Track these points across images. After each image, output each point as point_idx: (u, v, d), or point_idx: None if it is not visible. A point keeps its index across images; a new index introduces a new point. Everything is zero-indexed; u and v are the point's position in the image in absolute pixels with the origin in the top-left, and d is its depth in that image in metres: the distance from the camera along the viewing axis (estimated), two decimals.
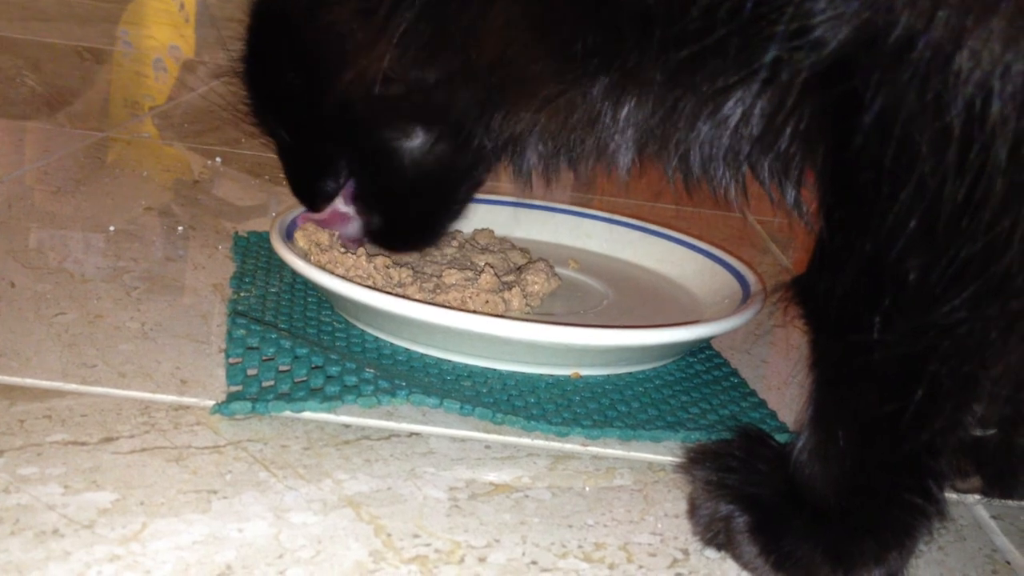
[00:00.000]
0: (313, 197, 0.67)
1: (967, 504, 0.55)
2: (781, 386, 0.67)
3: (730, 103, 0.43)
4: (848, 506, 0.44)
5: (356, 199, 0.66)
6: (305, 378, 0.56)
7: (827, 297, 0.42)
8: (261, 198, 0.95)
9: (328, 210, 0.67)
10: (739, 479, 0.47)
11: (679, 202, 1.16)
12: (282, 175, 1.01)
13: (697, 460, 0.49)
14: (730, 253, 0.77)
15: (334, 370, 0.56)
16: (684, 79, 0.44)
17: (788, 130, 0.42)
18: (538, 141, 0.56)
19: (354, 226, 0.67)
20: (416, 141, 0.60)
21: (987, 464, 0.55)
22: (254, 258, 0.74)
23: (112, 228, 0.78)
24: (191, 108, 1.27)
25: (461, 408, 0.55)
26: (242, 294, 0.67)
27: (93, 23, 2.03)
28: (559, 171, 0.57)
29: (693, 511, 0.48)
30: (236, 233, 0.79)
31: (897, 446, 0.42)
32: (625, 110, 0.48)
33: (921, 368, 0.40)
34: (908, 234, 0.38)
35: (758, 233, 1.06)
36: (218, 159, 1.04)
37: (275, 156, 1.07)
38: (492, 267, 0.69)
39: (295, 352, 0.58)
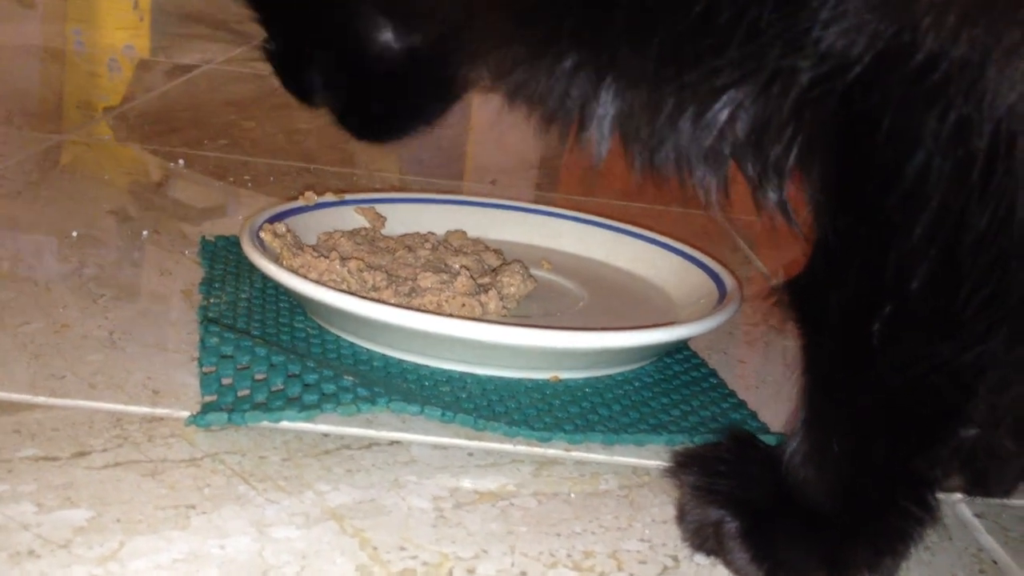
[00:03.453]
0: (304, 91, 0.64)
1: (950, 503, 0.55)
2: (759, 386, 0.67)
3: (720, 104, 0.42)
4: (842, 511, 0.44)
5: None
6: (282, 387, 0.54)
7: (826, 304, 0.41)
8: (226, 201, 0.93)
9: None
10: (728, 483, 0.46)
11: (645, 200, 1.15)
12: (246, 177, 1.00)
13: (684, 464, 0.48)
14: (703, 252, 0.77)
15: (311, 378, 0.55)
16: (675, 75, 0.43)
17: (785, 137, 0.41)
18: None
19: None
20: (388, 35, 0.57)
21: (969, 463, 0.55)
22: (223, 263, 0.73)
23: (75, 233, 0.76)
24: (150, 109, 1.25)
25: (442, 415, 0.54)
26: (212, 300, 0.65)
27: (48, 22, 2.00)
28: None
29: (682, 517, 0.48)
30: (203, 238, 0.77)
31: (893, 453, 0.42)
32: (602, 100, 0.47)
33: (922, 380, 0.40)
34: (925, 258, 0.37)
35: (725, 231, 1.06)
36: (180, 161, 1.02)
37: (238, 158, 1.06)
38: (468, 269, 0.68)
39: (271, 360, 0.56)
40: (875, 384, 0.41)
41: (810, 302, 0.43)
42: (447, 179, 1.18)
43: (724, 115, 0.42)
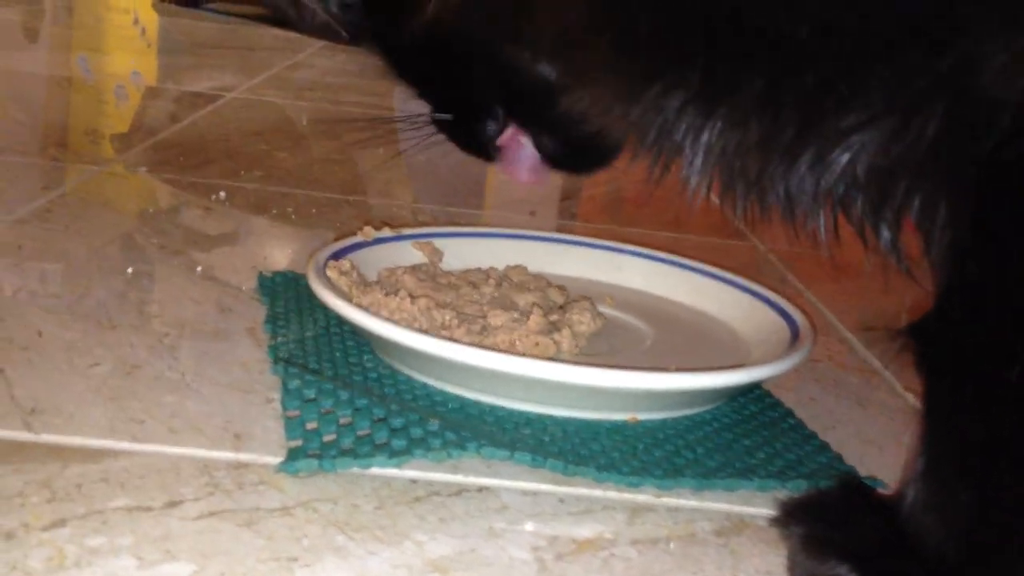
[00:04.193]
0: (483, 147, 0.64)
1: None
2: (835, 426, 0.65)
3: (844, 146, 0.41)
4: (968, 562, 0.42)
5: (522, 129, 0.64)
6: (368, 431, 0.53)
7: (958, 349, 0.40)
8: (274, 234, 0.92)
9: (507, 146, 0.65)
10: (842, 534, 0.45)
11: (681, 230, 1.13)
12: (288, 209, 0.99)
13: (793, 513, 0.47)
14: (767, 287, 0.76)
15: (398, 422, 0.54)
16: (795, 115, 0.41)
17: (914, 178, 0.40)
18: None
19: (531, 152, 0.65)
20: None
21: None
22: (283, 300, 0.71)
23: (129, 270, 0.75)
24: (183, 139, 1.24)
25: (532, 460, 0.53)
26: (280, 339, 0.64)
27: (56, 50, 1.99)
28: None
29: (792, 569, 0.46)
30: (261, 274, 0.76)
31: None
32: (706, 134, 0.45)
33: None
34: None
35: (770, 262, 1.05)
36: (222, 194, 1.01)
37: (277, 189, 1.05)
38: (540, 307, 0.67)
39: (355, 404, 0.55)
40: (1010, 433, 0.40)
41: (938, 347, 0.41)
42: (472, 208, 1.17)
43: (846, 157, 0.41)
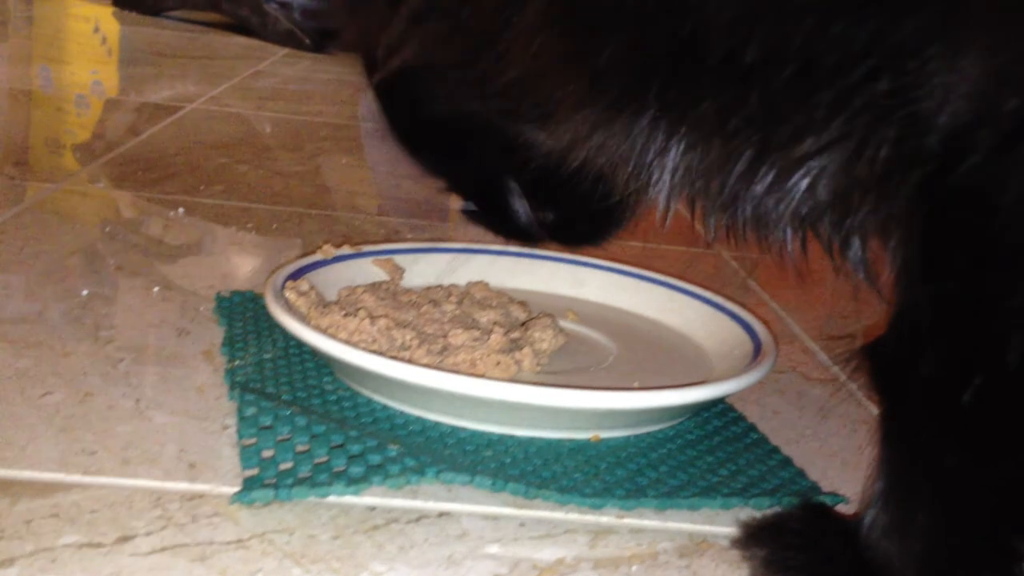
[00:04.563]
0: (521, 231, 0.64)
1: None
2: (799, 439, 0.65)
3: (802, 172, 0.41)
4: None
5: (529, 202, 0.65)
6: (326, 459, 0.52)
7: (911, 371, 0.39)
8: (232, 250, 0.91)
9: None
10: (804, 557, 0.45)
11: (643, 239, 1.13)
12: (249, 224, 0.98)
13: (755, 535, 0.47)
14: (730, 299, 0.75)
15: (356, 449, 0.53)
16: (753, 137, 0.41)
17: (869, 202, 0.40)
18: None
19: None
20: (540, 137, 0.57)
21: None
22: (241, 321, 0.70)
23: (85, 292, 0.74)
24: (143, 154, 1.22)
25: (493, 484, 0.52)
26: (237, 363, 0.63)
27: (20, 62, 1.97)
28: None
29: None
30: (218, 294, 0.75)
31: (983, 526, 0.40)
32: (671, 155, 0.45)
33: (1016, 451, 0.38)
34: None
35: (734, 270, 1.04)
36: (180, 210, 0.99)
37: (238, 204, 1.04)
38: (500, 325, 0.67)
39: (312, 430, 0.54)
40: (964, 455, 0.40)
41: (893, 368, 0.41)
42: (437, 221, 1.16)
43: (805, 183, 0.41)
